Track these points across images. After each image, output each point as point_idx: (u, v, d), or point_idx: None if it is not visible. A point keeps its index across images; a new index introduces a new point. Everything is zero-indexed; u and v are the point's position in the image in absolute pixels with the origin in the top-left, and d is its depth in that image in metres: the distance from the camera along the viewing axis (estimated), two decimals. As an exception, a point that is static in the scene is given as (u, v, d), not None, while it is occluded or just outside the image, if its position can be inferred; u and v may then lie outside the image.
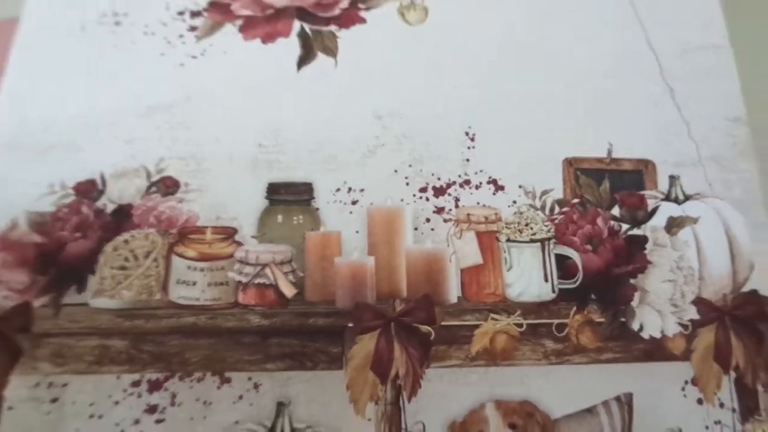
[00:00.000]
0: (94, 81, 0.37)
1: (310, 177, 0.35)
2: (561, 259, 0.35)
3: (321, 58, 0.38)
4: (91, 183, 0.35)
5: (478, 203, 0.35)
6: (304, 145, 0.36)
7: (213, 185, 0.35)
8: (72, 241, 0.33)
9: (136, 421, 0.31)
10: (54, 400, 0.31)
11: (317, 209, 0.35)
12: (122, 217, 0.34)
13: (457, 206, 0.35)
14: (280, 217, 0.35)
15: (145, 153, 0.35)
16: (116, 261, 0.33)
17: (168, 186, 0.35)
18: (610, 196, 0.37)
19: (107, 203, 0.34)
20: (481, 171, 0.36)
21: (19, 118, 0.36)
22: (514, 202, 0.36)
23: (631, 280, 0.35)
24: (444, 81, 0.37)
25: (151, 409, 0.31)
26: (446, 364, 0.32)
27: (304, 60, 0.38)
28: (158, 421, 0.31)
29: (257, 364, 0.32)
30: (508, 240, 0.35)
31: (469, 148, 0.37)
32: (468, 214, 0.36)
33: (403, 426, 0.31)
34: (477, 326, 0.33)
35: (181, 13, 0.39)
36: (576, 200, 0.37)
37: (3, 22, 0.38)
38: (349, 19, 0.39)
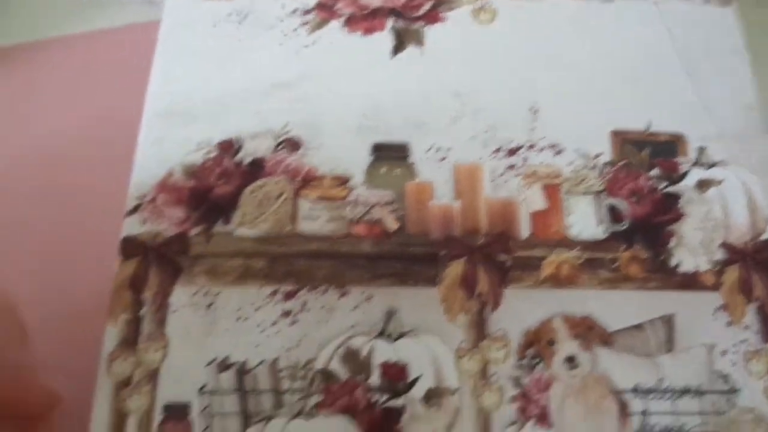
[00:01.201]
0: (226, 66, 0.45)
1: (405, 140, 0.43)
2: (611, 209, 0.43)
3: (410, 48, 0.46)
4: (230, 142, 0.43)
5: (541, 163, 0.43)
6: (399, 115, 0.44)
7: (327, 146, 0.43)
8: (217, 186, 0.41)
9: (274, 323, 0.38)
10: (209, 306, 0.38)
11: (413, 164, 0.43)
12: (257, 168, 0.42)
13: (525, 164, 0.43)
14: (383, 170, 0.42)
15: (271, 121, 0.43)
16: (254, 200, 0.41)
17: (292, 145, 0.43)
18: (649, 161, 0.44)
19: (244, 157, 0.42)
20: (543, 138, 0.44)
21: (169, 95, 0.44)
22: (571, 162, 0.44)
23: (669, 228, 0.42)
24: (511, 67, 0.46)
25: (286, 314, 0.38)
26: (520, 285, 0.39)
27: (396, 49, 0.46)
28: (292, 323, 0.38)
29: (369, 280, 0.39)
30: (568, 192, 0.43)
31: (532, 120, 0.45)
32: (534, 171, 0.43)
33: (487, 332, 0.38)
34: (544, 257, 0.41)
35: (294, 12, 0.47)
36: (622, 162, 0.44)
37: (150, 23, 0.47)
38: (431, 18, 0.47)
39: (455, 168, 0.43)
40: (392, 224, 0.41)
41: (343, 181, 0.42)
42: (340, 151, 0.43)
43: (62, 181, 0.43)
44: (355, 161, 0.42)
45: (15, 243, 0.42)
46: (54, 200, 0.43)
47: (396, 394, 0.37)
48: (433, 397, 0.37)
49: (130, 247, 0.39)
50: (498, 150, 0.44)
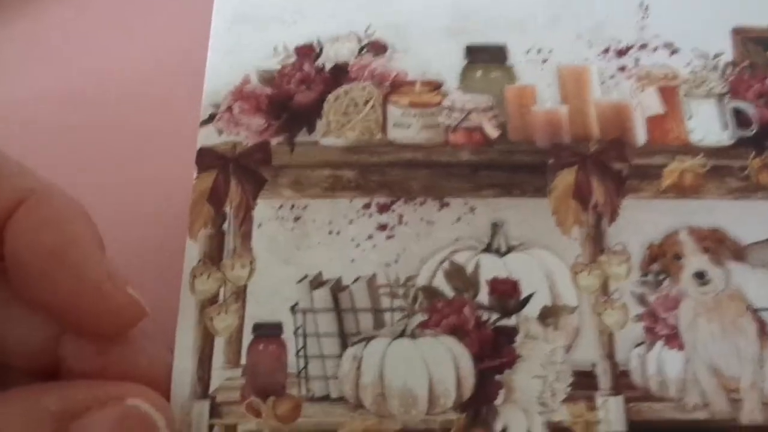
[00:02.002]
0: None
1: (501, 41, 0.39)
2: (737, 113, 0.38)
3: (502, -59, 0.42)
4: (309, 46, 0.39)
5: (655, 64, 0.39)
6: (494, 14, 0.40)
7: (416, 48, 0.39)
8: (298, 93, 0.38)
9: (369, 236, 0.35)
10: (296, 219, 0.35)
11: (511, 67, 0.39)
12: (340, 74, 0.38)
13: (637, 65, 0.39)
14: (479, 73, 0.38)
15: (353, 23, 0.39)
16: (339, 107, 0.37)
17: (377, 48, 0.39)
18: (776, 62, 0.40)
19: (325, 62, 0.39)
20: (656, 37, 0.39)
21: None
22: (689, 63, 0.39)
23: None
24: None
25: (382, 227, 0.35)
26: (640, 196, 0.35)
27: (487, -58, 0.42)
28: (388, 237, 0.35)
29: (470, 191, 0.35)
30: (687, 94, 0.38)
31: (643, 17, 0.40)
32: (648, 72, 0.39)
33: (606, 246, 0.35)
34: (665, 165, 0.37)
35: None
36: (745, 63, 0.40)
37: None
38: None
39: (559, 70, 0.38)
40: (492, 132, 0.38)
41: (435, 86, 0.38)
42: (430, 55, 0.38)
43: (135, 91, 0.41)
44: (447, 65, 0.38)
45: (88, 158, 0.39)
46: (127, 112, 0.41)
47: (507, 312, 0.34)
48: (549, 315, 0.33)
49: (208, 158, 0.36)
50: (606, 50, 0.40)
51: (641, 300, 0.33)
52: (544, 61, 0.39)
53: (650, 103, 0.38)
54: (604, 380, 0.32)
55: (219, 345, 0.33)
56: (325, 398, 0.32)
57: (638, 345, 0.32)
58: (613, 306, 0.33)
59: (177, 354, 0.33)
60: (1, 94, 0.42)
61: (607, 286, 0.34)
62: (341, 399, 0.32)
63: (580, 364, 0.32)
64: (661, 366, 0.32)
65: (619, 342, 0.33)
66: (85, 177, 0.37)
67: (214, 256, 0.34)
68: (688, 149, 0.36)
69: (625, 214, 0.35)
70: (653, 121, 0.37)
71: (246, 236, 0.35)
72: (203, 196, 0.35)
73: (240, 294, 0.34)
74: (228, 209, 0.35)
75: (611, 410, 0.31)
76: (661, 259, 0.34)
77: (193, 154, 0.36)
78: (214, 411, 0.32)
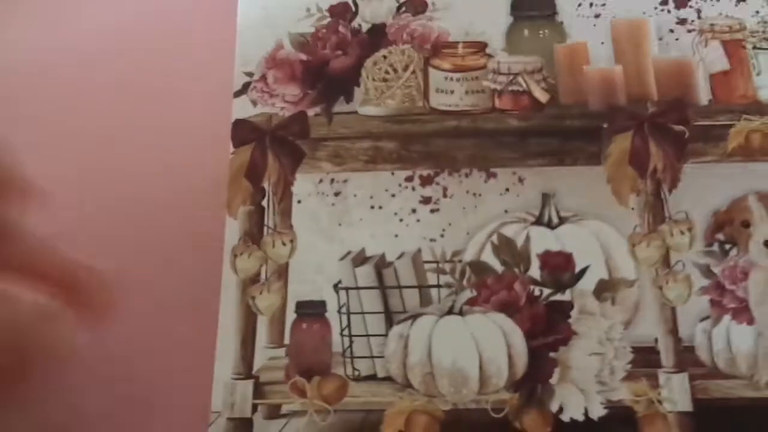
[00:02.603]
0: None
1: (550, -6, 0.37)
2: (809, 65, 0.36)
3: None
4: (344, 5, 0.37)
5: (720, 14, 0.36)
6: (541, -34, 0.38)
7: (457, 6, 0.36)
8: (334, 58, 0.36)
9: (413, 210, 0.33)
10: (337, 194, 0.34)
11: (561, 23, 0.36)
12: (377, 36, 0.36)
13: (699, 18, 0.36)
14: (526, 32, 0.36)
15: (391, -22, 0.38)
16: (378, 74, 0.36)
17: (417, 5, 0.37)
18: None
19: (362, 23, 0.37)
20: (720, -16, 0.37)
21: None
22: (757, 12, 0.36)
23: None
24: None
25: (426, 200, 0.34)
26: (703, 160, 0.33)
27: None
28: (433, 211, 0.34)
29: (519, 160, 0.34)
30: (755, 47, 0.36)
31: (705, -37, 0.38)
32: (711, 24, 0.36)
33: (666, 215, 0.33)
34: (730, 126, 0.34)
35: None
36: (820, 10, 0.37)
37: None
38: None
39: (613, 25, 0.35)
40: (542, 95, 0.35)
41: (479, 47, 0.36)
42: (473, 12, 0.36)
43: (163, 59, 0.40)
44: (492, 23, 0.35)
45: (120, 132, 0.39)
46: (156, 82, 0.40)
47: (561, 287, 0.32)
48: (606, 289, 0.32)
49: (243, 131, 0.34)
50: (665, 1, 0.37)
51: (706, 272, 0.31)
52: (597, 15, 0.36)
53: (714, 58, 0.35)
54: (667, 357, 0.30)
55: (262, 324, 0.33)
56: (372, 377, 0.32)
57: (703, 319, 0.31)
58: (675, 279, 0.31)
59: (220, 334, 0.32)
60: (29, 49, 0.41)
61: (668, 258, 0.32)
62: (388, 378, 0.31)
63: (640, 340, 0.31)
64: (729, 341, 0.30)
65: (683, 317, 0.31)
66: (114, 149, 0.37)
67: (254, 234, 0.33)
68: (757, 108, 0.33)
69: (686, 180, 0.33)
70: (717, 78, 0.34)
71: (286, 212, 0.34)
72: (240, 171, 0.34)
73: (282, 272, 0.33)
74: (266, 185, 0.35)
75: (675, 388, 0.30)
76: (728, 227, 0.32)
77: (226, 125, 0.36)
78: (258, 391, 0.31)
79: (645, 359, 0.30)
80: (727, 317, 0.31)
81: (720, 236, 0.32)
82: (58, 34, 0.40)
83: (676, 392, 0.30)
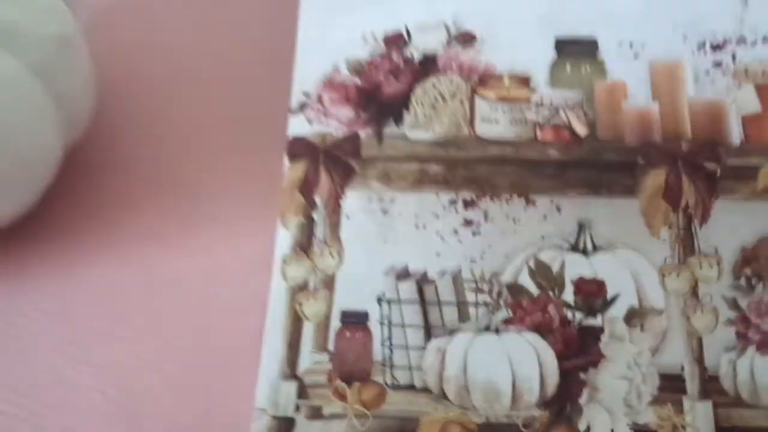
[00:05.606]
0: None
1: (591, 33, 0.38)
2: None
3: (596, -71, 0.41)
4: (398, 35, 0.39)
5: (754, 59, 0.38)
6: (584, 5, 0.39)
7: (504, 41, 0.39)
8: (386, 84, 0.38)
9: (455, 231, 0.35)
10: (384, 212, 0.36)
11: (602, 61, 0.38)
12: (428, 65, 0.38)
13: (734, 61, 0.38)
14: (568, 68, 0.38)
15: (442, 10, 0.39)
16: (427, 100, 0.38)
17: (466, 39, 0.39)
18: None
19: (413, 53, 0.39)
20: (755, 31, 0.38)
21: None
22: (790, 59, 0.38)
23: None
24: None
25: (467, 223, 0.35)
26: (733, 197, 0.35)
27: (580, -69, 0.41)
28: (474, 234, 0.35)
29: (558, 189, 0.35)
30: (787, 93, 0.37)
31: (742, 10, 0.39)
32: (746, 68, 0.38)
33: (696, 248, 0.34)
34: (760, 166, 0.35)
35: None
36: None
37: None
38: None
39: (652, 66, 0.37)
40: (581, 129, 0.37)
41: (524, 80, 0.38)
42: (519, 47, 0.38)
43: (224, 74, 0.42)
44: (536, 58, 0.38)
45: (185, 140, 0.41)
46: (215, 94, 0.42)
47: (592, 312, 0.34)
48: (635, 317, 0.33)
49: (299, 147, 0.37)
50: (702, 44, 0.39)
51: (732, 304, 0.33)
52: (636, 55, 0.38)
53: (747, 100, 0.37)
54: (693, 385, 0.32)
55: (308, 330, 0.35)
56: (410, 387, 0.33)
57: (729, 350, 0.32)
58: (702, 309, 0.33)
59: (267, 335, 0.34)
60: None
61: (696, 289, 0.33)
62: (425, 389, 0.33)
63: (667, 367, 0.32)
64: (753, 373, 0.32)
65: (709, 346, 0.32)
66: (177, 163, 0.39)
67: (304, 244, 0.36)
68: (787, 150, 0.36)
69: (717, 216, 0.35)
70: (749, 120, 0.36)
71: (335, 226, 0.36)
72: (295, 185, 0.36)
73: (329, 282, 0.35)
74: (318, 199, 0.37)
75: (699, 415, 0.31)
76: (755, 263, 0.34)
77: (280, 139, 0.38)
78: (302, 392, 0.33)
79: (671, 385, 0.32)
80: (751, 349, 0.32)
81: (747, 271, 0.33)
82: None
83: (700, 419, 0.31)
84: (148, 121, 0.42)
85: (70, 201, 0.40)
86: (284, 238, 0.35)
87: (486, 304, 0.34)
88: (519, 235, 0.35)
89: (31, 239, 0.40)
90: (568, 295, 0.33)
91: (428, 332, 0.34)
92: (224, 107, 0.41)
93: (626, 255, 0.34)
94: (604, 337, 0.33)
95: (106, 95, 0.42)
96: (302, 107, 0.38)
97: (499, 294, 0.34)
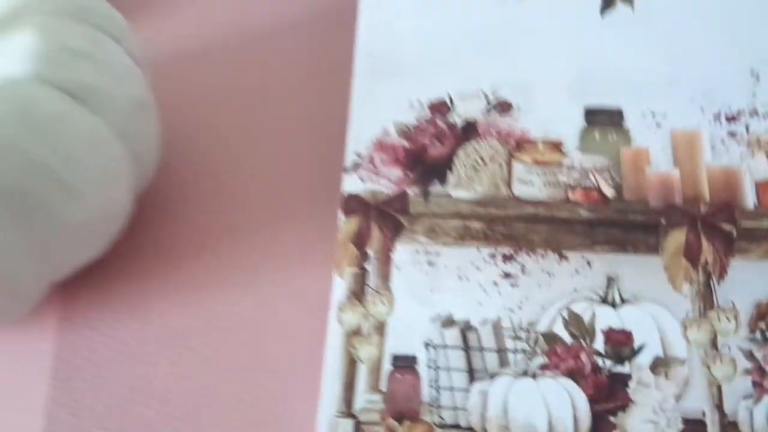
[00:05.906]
0: (434, 17, 0.45)
1: (618, 103, 0.42)
2: (843, 180, 0.41)
3: (620, 6, 0.45)
4: (442, 102, 0.43)
5: (766, 131, 0.41)
6: (611, 77, 0.43)
7: (538, 109, 0.42)
8: (431, 147, 0.42)
9: (495, 283, 0.39)
10: (430, 264, 0.39)
11: (628, 130, 0.42)
12: (469, 130, 0.42)
13: (747, 132, 0.41)
14: (597, 135, 0.42)
15: (482, 80, 0.43)
16: (468, 162, 0.41)
17: (503, 107, 0.43)
18: None
19: (456, 118, 0.43)
20: (767, 104, 0.42)
21: (378, 43, 0.44)
22: (799, 130, 0.41)
23: None
24: (728, 26, 0.43)
25: (506, 276, 0.39)
26: (748, 257, 0.38)
27: (605, 7, 0.45)
28: (512, 285, 0.39)
29: (588, 246, 0.39)
30: (796, 161, 0.41)
31: (754, 84, 0.43)
32: (758, 138, 0.41)
33: (715, 303, 0.38)
34: (773, 229, 0.39)
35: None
36: None
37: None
38: (641, -24, 0.46)
39: (673, 135, 0.41)
40: (608, 191, 0.41)
41: (556, 145, 0.42)
42: (552, 116, 0.42)
43: (284, 132, 0.46)
44: (567, 126, 0.42)
45: (245, 193, 0.45)
46: (275, 152, 0.46)
47: (621, 360, 0.37)
48: (660, 365, 0.37)
49: (352, 204, 0.41)
50: (717, 115, 0.42)
51: (749, 355, 0.36)
52: (659, 125, 0.42)
53: (759, 168, 0.41)
54: (713, 429, 0.35)
55: (362, 370, 0.38)
56: (455, 426, 0.37)
57: (746, 398, 0.35)
58: (722, 360, 0.36)
59: (325, 376, 0.38)
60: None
61: (716, 341, 0.37)
62: (469, 428, 0.36)
63: (689, 413, 0.36)
64: (768, 419, 0.35)
65: (728, 394, 0.36)
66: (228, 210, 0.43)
67: (358, 293, 0.39)
68: (797, 214, 0.39)
69: (733, 273, 0.38)
70: (762, 186, 0.40)
71: (386, 276, 0.40)
72: (349, 238, 0.40)
73: (380, 327, 0.38)
74: (370, 251, 0.40)
75: (719, 458, 0.35)
76: (768, 318, 0.37)
77: (335, 196, 0.41)
78: (357, 429, 0.37)
79: (693, 429, 0.35)
80: (767, 397, 0.35)
81: (762, 325, 0.37)
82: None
83: (719, 460, 0.34)
84: (209, 173, 0.46)
85: (134, 248, 0.44)
86: (340, 286, 0.39)
87: (524, 350, 0.37)
88: (553, 287, 0.38)
89: (97, 284, 0.43)
90: (599, 344, 0.37)
91: (472, 375, 0.37)
92: (283, 164, 0.46)
93: (651, 308, 0.37)
94: (632, 384, 0.36)
95: (168, 147, 0.46)
96: (355, 167, 0.42)
97: (536, 342, 0.37)
